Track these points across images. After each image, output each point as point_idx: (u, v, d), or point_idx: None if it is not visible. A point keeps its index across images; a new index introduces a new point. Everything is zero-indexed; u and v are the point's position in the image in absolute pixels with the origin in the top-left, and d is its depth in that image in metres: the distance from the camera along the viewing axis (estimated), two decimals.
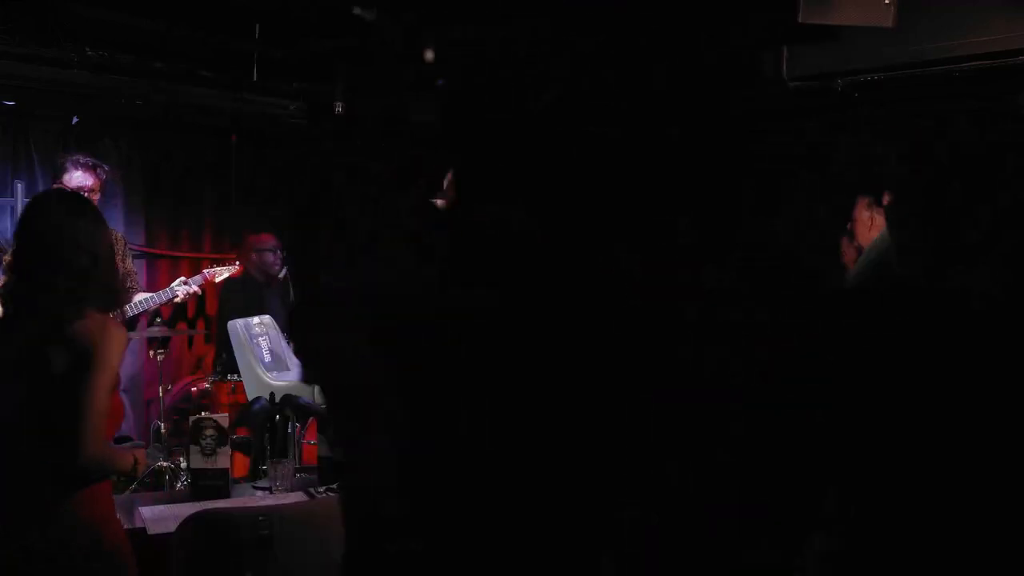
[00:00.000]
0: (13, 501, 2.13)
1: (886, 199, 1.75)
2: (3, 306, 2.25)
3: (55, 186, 4.45)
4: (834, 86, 4.59)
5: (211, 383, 5.35)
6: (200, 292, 5.23)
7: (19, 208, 5.43)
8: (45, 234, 2.20)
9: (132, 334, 5.01)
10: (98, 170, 4.61)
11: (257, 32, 5.78)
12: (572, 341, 0.86)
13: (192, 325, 6.51)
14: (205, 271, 5.38)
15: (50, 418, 2.11)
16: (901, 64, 4.37)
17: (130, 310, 4.82)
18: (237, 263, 5.62)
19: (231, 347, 5.20)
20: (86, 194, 4.47)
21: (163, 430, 4.80)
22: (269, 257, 5.94)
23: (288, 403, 3.47)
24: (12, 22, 4.81)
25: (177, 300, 5.08)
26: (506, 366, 0.85)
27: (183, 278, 5.21)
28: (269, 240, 6.02)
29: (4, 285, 2.25)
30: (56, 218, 2.22)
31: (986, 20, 4.14)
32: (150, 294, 5.01)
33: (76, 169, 4.52)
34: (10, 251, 2.25)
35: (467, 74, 0.94)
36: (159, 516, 2.94)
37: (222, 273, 5.44)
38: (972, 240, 1.51)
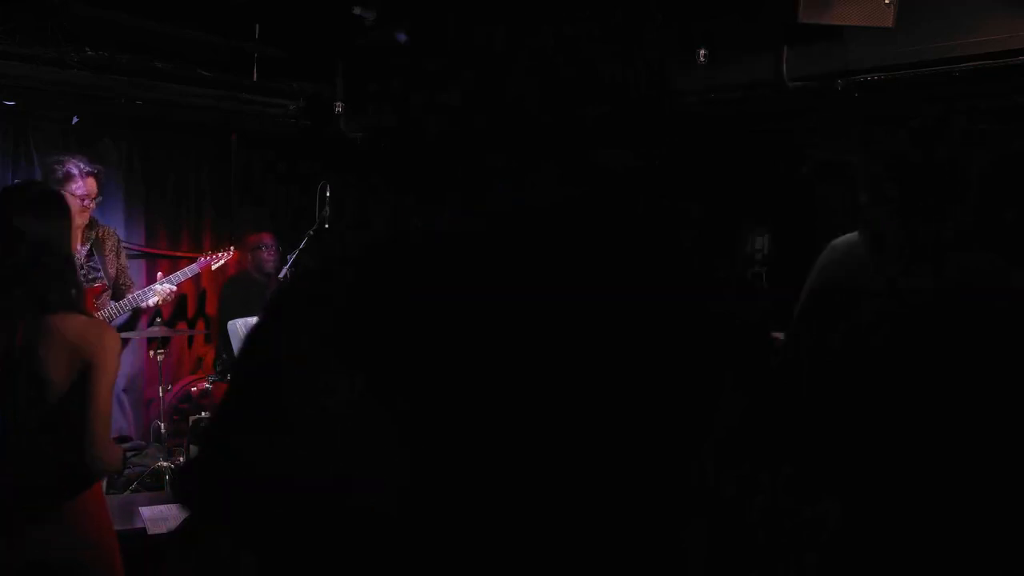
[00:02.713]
0: (13, 499, 2.13)
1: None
2: None
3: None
4: (834, 86, 4.59)
5: (211, 383, 5.35)
6: (176, 291, 5.05)
7: None
8: (21, 233, 2.17)
9: (132, 333, 4.99)
10: (99, 176, 4.56)
11: (257, 32, 5.79)
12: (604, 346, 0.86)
13: (192, 325, 6.51)
14: (201, 258, 5.32)
15: (55, 420, 2.14)
16: (901, 64, 4.38)
17: (105, 313, 4.65)
18: (232, 249, 5.56)
19: (231, 347, 5.21)
20: (89, 202, 4.47)
21: (163, 430, 4.79)
22: (263, 254, 5.96)
23: None
24: (12, 22, 4.81)
25: (157, 301, 4.89)
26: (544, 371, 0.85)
27: (160, 275, 5.08)
28: (265, 238, 6.04)
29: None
30: (28, 217, 2.20)
31: (986, 20, 4.13)
32: (128, 297, 4.82)
33: (81, 179, 4.45)
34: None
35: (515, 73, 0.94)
36: (159, 516, 2.94)
37: (218, 260, 5.38)
38: (946, 238, 1.52)
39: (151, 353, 5.49)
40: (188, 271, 5.11)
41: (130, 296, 4.75)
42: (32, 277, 2.16)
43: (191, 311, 6.49)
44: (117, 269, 4.76)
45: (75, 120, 5.79)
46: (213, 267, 5.38)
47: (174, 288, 4.91)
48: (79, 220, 4.39)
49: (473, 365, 0.84)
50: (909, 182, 1.59)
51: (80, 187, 4.40)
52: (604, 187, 0.93)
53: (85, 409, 2.13)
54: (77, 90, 5.35)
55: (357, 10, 5.09)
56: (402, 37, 0.92)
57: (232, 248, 5.59)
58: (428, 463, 0.83)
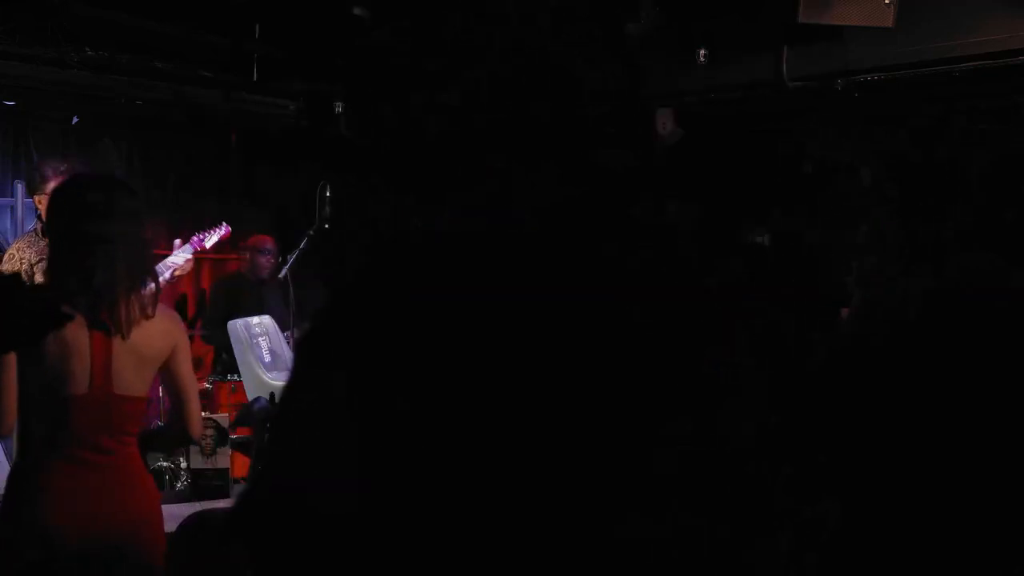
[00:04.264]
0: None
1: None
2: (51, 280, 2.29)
3: (36, 197, 4.37)
4: (834, 86, 4.59)
5: (211, 383, 5.35)
6: (191, 262, 4.99)
7: (19, 208, 5.43)
8: (120, 217, 2.23)
9: None
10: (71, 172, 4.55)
11: (257, 32, 5.79)
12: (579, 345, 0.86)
13: (192, 325, 6.51)
14: (193, 239, 5.25)
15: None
16: (901, 64, 4.38)
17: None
18: (224, 224, 5.42)
19: (231, 347, 5.20)
20: None
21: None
22: (261, 259, 5.94)
23: None
24: (12, 22, 4.81)
25: (164, 278, 4.87)
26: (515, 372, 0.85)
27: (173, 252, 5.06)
28: (267, 243, 6.01)
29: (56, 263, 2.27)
30: (125, 200, 2.28)
31: (986, 20, 4.14)
32: None
33: (54, 179, 4.44)
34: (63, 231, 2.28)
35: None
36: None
37: (211, 238, 5.28)
38: (946, 238, 1.53)
39: None
40: (180, 253, 5.02)
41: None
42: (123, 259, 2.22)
43: (191, 311, 6.49)
44: None
45: (75, 120, 5.79)
46: (208, 245, 5.26)
47: (186, 259, 4.89)
48: None
49: (473, 365, 0.84)
50: (909, 182, 1.60)
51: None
52: (604, 187, 0.93)
53: (186, 392, 2.35)
54: (77, 90, 5.35)
55: (357, 10, 5.09)
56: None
57: (224, 224, 5.44)
58: (425, 463, 0.83)
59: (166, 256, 6.35)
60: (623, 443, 0.85)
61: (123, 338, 2.19)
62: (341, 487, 0.83)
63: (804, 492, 0.92)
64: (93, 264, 2.16)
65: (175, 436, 2.58)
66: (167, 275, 4.75)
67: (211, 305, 5.99)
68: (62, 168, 4.37)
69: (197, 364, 6.50)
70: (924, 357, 1.50)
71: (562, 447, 0.84)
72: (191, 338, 6.55)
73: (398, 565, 0.83)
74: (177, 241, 5.03)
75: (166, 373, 2.31)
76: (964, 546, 1.43)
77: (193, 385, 2.38)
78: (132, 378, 2.21)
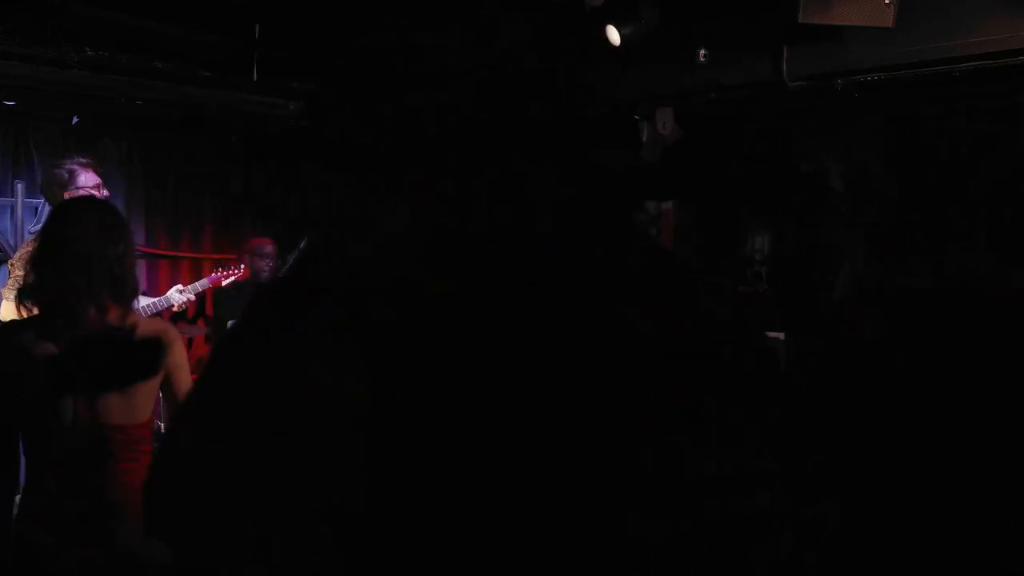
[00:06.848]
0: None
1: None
2: (27, 304, 2.28)
3: (67, 195, 4.40)
4: (834, 86, 4.60)
5: None
6: (195, 299, 5.25)
7: (19, 208, 5.43)
8: (83, 247, 2.23)
9: None
10: (96, 166, 4.62)
11: (257, 32, 5.79)
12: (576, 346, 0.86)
13: (192, 323, 6.52)
14: (213, 274, 5.40)
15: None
16: (901, 64, 4.38)
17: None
18: (243, 266, 5.65)
19: None
20: (103, 190, 4.53)
21: (163, 430, 4.80)
22: (260, 263, 5.96)
23: None
24: (12, 22, 4.81)
25: (174, 309, 5.08)
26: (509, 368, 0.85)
27: (179, 286, 5.21)
28: (266, 246, 6.02)
29: (30, 286, 2.27)
30: (93, 231, 2.27)
31: (986, 20, 4.14)
32: (147, 301, 4.98)
33: (82, 171, 4.51)
34: (36, 253, 2.29)
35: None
36: None
37: (229, 277, 5.47)
38: (946, 239, 1.53)
39: None
40: (191, 289, 5.18)
41: (157, 300, 4.95)
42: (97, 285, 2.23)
43: (191, 311, 6.49)
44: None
45: (75, 120, 5.79)
46: (224, 284, 5.45)
47: (192, 297, 5.08)
48: None
49: (475, 363, 0.84)
50: (909, 182, 1.60)
51: (90, 178, 4.45)
52: (604, 187, 0.93)
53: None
54: (77, 90, 5.34)
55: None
56: None
57: (243, 266, 5.65)
58: (424, 459, 0.83)
59: (165, 255, 6.39)
60: (623, 444, 0.85)
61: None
62: (342, 479, 0.83)
63: (804, 492, 0.92)
64: (65, 270, 2.18)
65: None
66: (178, 303, 4.92)
67: (216, 307, 6.02)
68: (84, 161, 4.42)
69: (197, 364, 6.52)
70: (924, 357, 1.50)
71: (562, 446, 0.84)
72: (190, 339, 6.60)
73: (395, 561, 0.83)
74: (180, 286, 5.16)
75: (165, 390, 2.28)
76: (964, 546, 1.43)
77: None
78: (120, 405, 2.19)
